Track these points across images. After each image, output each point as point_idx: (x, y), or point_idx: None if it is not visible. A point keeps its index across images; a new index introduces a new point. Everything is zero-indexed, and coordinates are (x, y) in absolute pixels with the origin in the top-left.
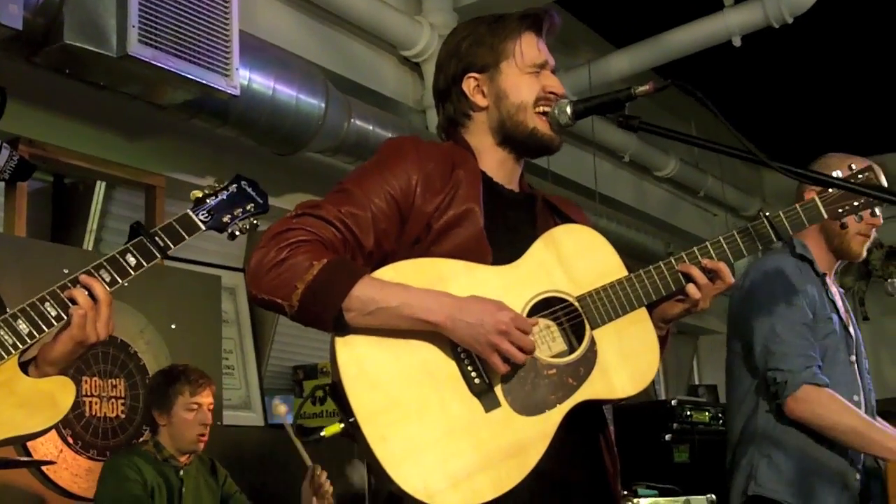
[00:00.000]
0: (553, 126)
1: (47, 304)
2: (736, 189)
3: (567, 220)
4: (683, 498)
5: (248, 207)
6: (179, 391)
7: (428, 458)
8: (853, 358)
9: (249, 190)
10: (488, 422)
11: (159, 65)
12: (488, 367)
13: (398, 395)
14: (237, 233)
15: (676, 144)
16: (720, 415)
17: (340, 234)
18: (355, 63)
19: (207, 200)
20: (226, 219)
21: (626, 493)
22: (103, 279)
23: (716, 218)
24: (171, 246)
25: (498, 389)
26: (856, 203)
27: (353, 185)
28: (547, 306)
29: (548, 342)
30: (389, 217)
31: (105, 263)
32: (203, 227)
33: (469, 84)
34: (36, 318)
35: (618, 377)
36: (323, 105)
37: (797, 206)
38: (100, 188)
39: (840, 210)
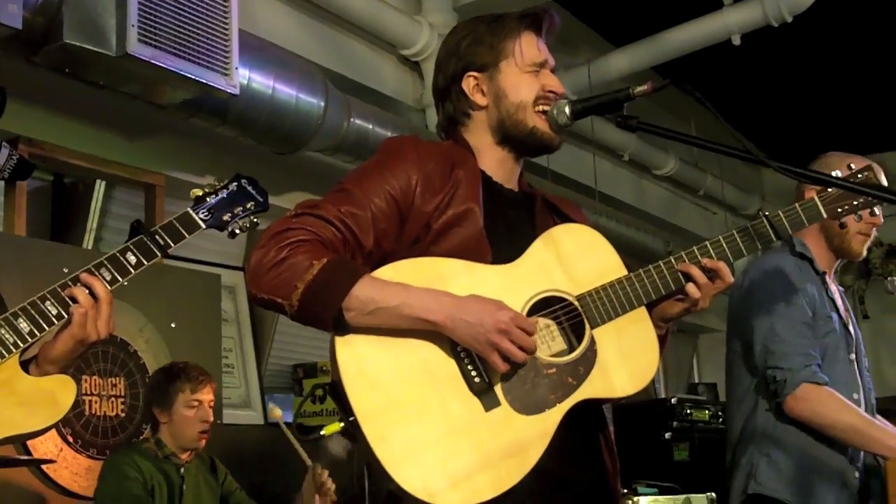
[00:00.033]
0: (552, 125)
1: (48, 302)
2: (735, 188)
3: (566, 219)
4: (683, 496)
5: (249, 206)
6: (180, 388)
7: (428, 458)
8: (853, 356)
9: (249, 188)
10: (488, 421)
11: (159, 64)
12: (488, 367)
13: (398, 395)
14: (237, 231)
15: (676, 143)
16: (720, 413)
17: (340, 234)
18: (355, 62)
19: (207, 199)
20: (226, 217)
21: (626, 491)
22: (104, 278)
23: (715, 217)
24: (172, 244)
25: (498, 389)
26: (855, 202)
27: (352, 184)
28: (546, 306)
29: (547, 341)
30: (389, 217)
31: (105, 262)
32: (203, 226)
33: (469, 83)
34: (37, 316)
35: (617, 376)
36: (322, 104)
37: (796, 205)
38: (99, 187)
39: (839, 209)
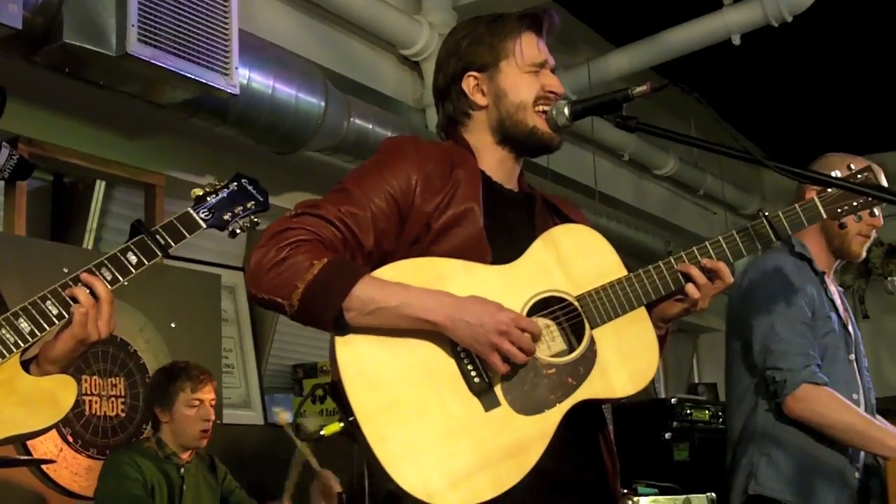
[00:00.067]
0: (552, 125)
1: (49, 302)
2: (735, 187)
3: (566, 219)
4: (683, 496)
5: (249, 205)
6: (181, 388)
7: (427, 458)
8: (852, 356)
9: (250, 188)
10: (488, 421)
11: (159, 64)
12: (488, 367)
13: (398, 395)
14: (238, 231)
15: (676, 143)
16: (720, 413)
17: (340, 234)
18: (355, 62)
19: (208, 198)
20: (226, 217)
21: (626, 491)
22: (104, 277)
23: (715, 216)
24: (173, 244)
25: (497, 389)
26: (855, 203)
27: (352, 184)
28: (546, 306)
29: (547, 342)
30: (389, 217)
31: (106, 262)
32: (204, 225)
33: (468, 83)
34: (37, 316)
35: (617, 376)
36: (322, 104)
37: (796, 205)
38: (99, 187)
39: (839, 210)
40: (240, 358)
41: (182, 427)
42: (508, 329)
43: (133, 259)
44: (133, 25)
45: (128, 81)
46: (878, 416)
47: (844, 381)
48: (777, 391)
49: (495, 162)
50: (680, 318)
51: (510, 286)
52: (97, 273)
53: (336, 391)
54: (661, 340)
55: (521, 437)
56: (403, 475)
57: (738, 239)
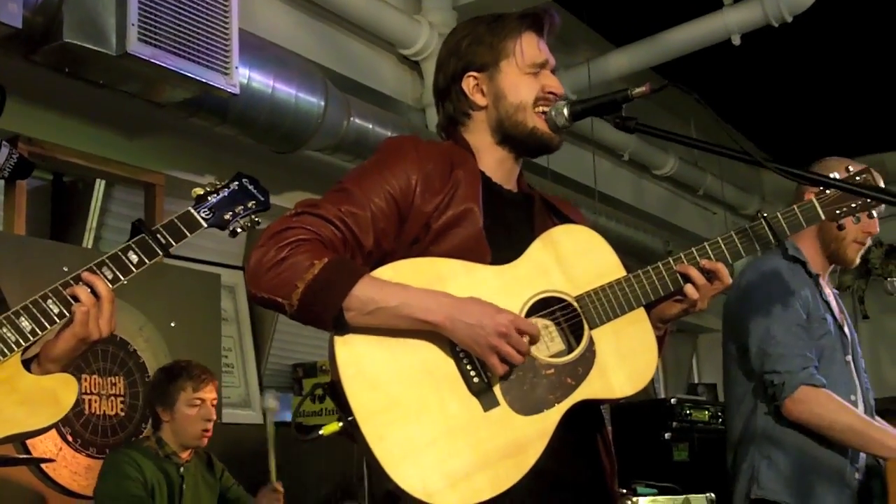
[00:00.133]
0: (551, 125)
1: (50, 301)
2: (735, 187)
3: (565, 219)
4: (683, 496)
5: (250, 205)
6: (182, 387)
7: (426, 458)
8: (849, 358)
9: (251, 187)
10: (487, 421)
11: (159, 63)
12: (487, 367)
13: (397, 395)
14: (238, 230)
15: (676, 143)
16: (719, 413)
17: (340, 233)
18: (354, 61)
19: (209, 198)
20: (227, 216)
21: (625, 491)
22: (105, 276)
23: (715, 216)
24: (173, 243)
25: (497, 389)
26: (853, 204)
27: (352, 184)
28: (545, 306)
29: (546, 342)
30: (389, 216)
31: (107, 261)
32: (205, 225)
33: (468, 83)
34: (38, 315)
35: (616, 377)
36: (322, 103)
37: (795, 207)
38: (99, 186)
39: (837, 211)
40: (239, 357)
41: (183, 426)
42: (507, 331)
43: (134, 258)
44: (133, 25)
45: (128, 81)
46: (878, 417)
47: (842, 382)
48: (776, 394)
49: (495, 162)
50: (679, 319)
51: (509, 286)
52: (98, 272)
53: (335, 391)
54: (660, 341)
55: (520, 437)
56: (402, 475)
57: (736, 240)
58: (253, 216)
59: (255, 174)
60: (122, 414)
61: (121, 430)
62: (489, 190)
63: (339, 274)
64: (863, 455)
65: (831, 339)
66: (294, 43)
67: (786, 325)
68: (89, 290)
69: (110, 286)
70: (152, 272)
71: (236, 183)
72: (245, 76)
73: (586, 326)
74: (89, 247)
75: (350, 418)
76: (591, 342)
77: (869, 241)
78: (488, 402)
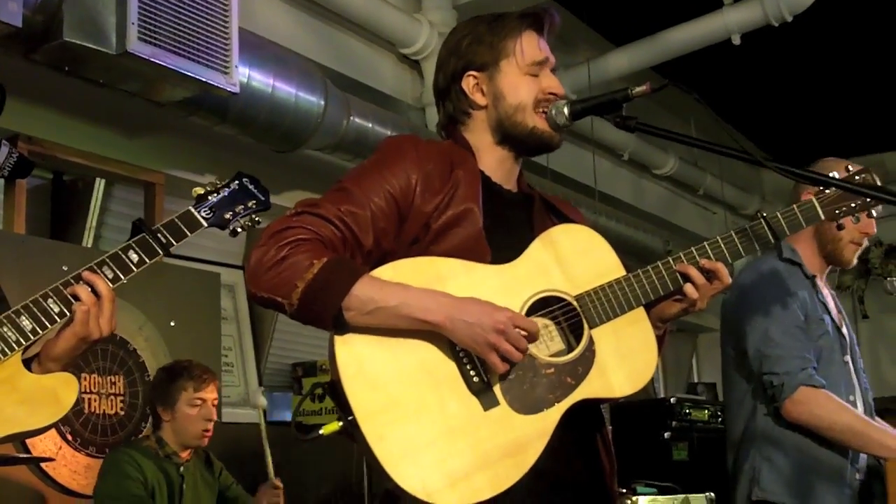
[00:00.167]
0: (551, 124)
1: (50, 300)
2: (735, 187)
3: (565, 219)
4: (682, 496)
5: (250, 204)
6: (183, 387)
7: (426, 457)
8: (847, 358)
9: (251, 187)
10: (487, 420)
11: (158, 62)
12: (487, 367)
13: (397, 394)
14: (239, 229)
15: (675, 142)
16: (719, 413)
17: (340, 233)
18: (354, 61)
19: (209, 197)
20: (227, 215)
21: (625, 491)
22: (106, 276)
23: (715, 216)
24: (174, 242)
25: (497, 388)
26: (853, 204)
27: (352, 183)
28: (545, 306)
29: (546, 341)
30: (388, 216)
31: (108, 260)
32: (205, 224)
33: (468, 82)
34: (39, 314)
35: (615, 376)
36: (322, 102)
37: (794, 206)
38: (99, 185)
39: (837, 211)
40: (239, 356)
41: (184, 426)
42: (506, 328)
43: (135, 257)
44: (133, 23)
45: (128, 80)
46: (877, 418)
47: (841, 382)
48: (775, 395)
49: (495, 162)
50: (678, 318)
51: (509, 286)
52: (98, 271)
53: (335, 390)
54: (660, 340)
55: (520, 437)
56: (402, 474)
57: (736, 240)
58: (253, 216)
59: (255, 173)
60: (122, 413)
61: (120, 430)
62: (489, 190)
63: (338, 273)
64: (863, 455)
65: (829, 339)
66: (294, 42)
67: (784, 326)
68: (90, 289)
69: (111, 285)
70: (152, 271)
71: (236, 182)
72: (245, 75)
73: (586, 326)
74: (89, 246)
75: (350, 418)
76: (591, 342)
77: (866, 242)
78: (488, 402)
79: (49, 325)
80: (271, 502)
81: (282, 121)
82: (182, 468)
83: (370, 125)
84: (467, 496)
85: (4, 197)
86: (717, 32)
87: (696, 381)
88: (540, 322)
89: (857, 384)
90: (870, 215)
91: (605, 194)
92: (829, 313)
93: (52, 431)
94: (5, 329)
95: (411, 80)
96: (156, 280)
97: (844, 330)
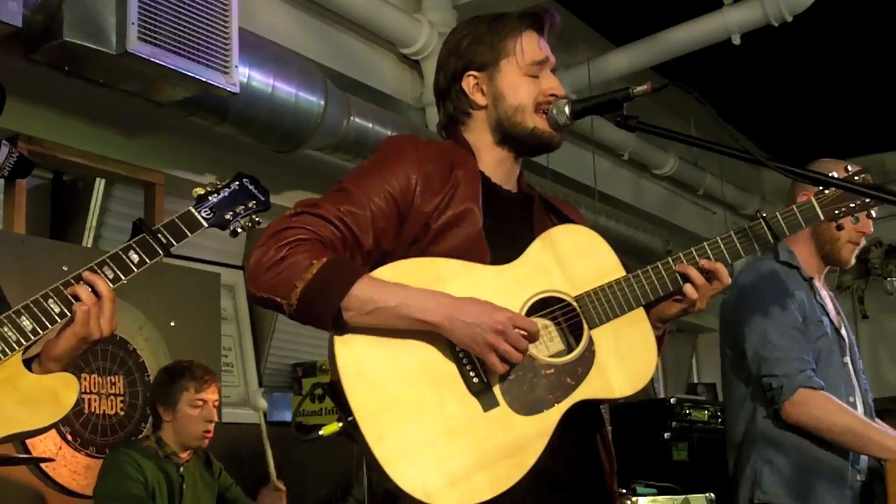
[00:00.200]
0: (552, 124)
1: (51, 300)
2: (735, 187)
3: (564, 219)
4: (682, 496)
5: (250, 205)
6: (184, 387)
7: (426, 457)
8: (847, 359)
9: (251, 187)
10: (486, 421)
11: (158, 62)
12: (487, 367)
13: (396, 395)
14: (239, 230)
15: (676, 142)
16: (719, 413)
17: (339, 233)
18: (354, 60)
19: (209, 197)
20: (228, 216)
21: (625, 491)
22: (106, 276)
23: (715, 216)
24: (174, 243)
25: (496, 389)
26: (852, 204)
27: (352, 183)
28: (545, 306)
29: (545, 342)
30: (388, 216)
31: (108, 260)
32: (205, 224)
33: (469, 82)
34: (39, 314)
35: (615, 377)
36: (322, 102)
37: (794, 207)
38: (99, 185)
39: (836, 211)
40: (239, 356)
41: (185, 427)
42: (505, 328)
43: (135, 257)
44: (133, 23)
45: (127, 79)
46: (877, 419)
47: (841, 383)
48: (774, 397)
49: (494, 162)
50: (678, 319)
51: (509, 286)
52: (99, 271)
53: (335, 391)
54: (659, 341)
55: (520, 437)
56: (402, 474)
57: (735, 240)
58: (253, 216)
59: (255, 173)
60: (122, 413)
61: (120, 430)
62: (488, 190)
63: (338, 274)
64: (864, 456)
65: (828, 341)
66: (294, 42)
67: (782, 328)
68: (90, 289)
69: (111, 285)
70: (152, 271)
71: (237, 183)
72: (245, 75)
73: (586, 326)
74: (89, 246)
75: (350, 418)
76: (591, 342)
77: (863, 241)
78: (488, 402)
79: (49, 326)
80: None
81: (282, 121)
82: (182, 468)
83: (370, 125)
84: (467, 496)
85: (4, 197)
86: (717, 32)
87: (695, 381)
88: (539, 322)
89: (857, 385)
90: (869, 216)
91: (604, 194)
92: (827, 314)
93: (52, 432)
94: (6, 329)
95: (411, 80)
96: (156, 280)
97: (843, 331)
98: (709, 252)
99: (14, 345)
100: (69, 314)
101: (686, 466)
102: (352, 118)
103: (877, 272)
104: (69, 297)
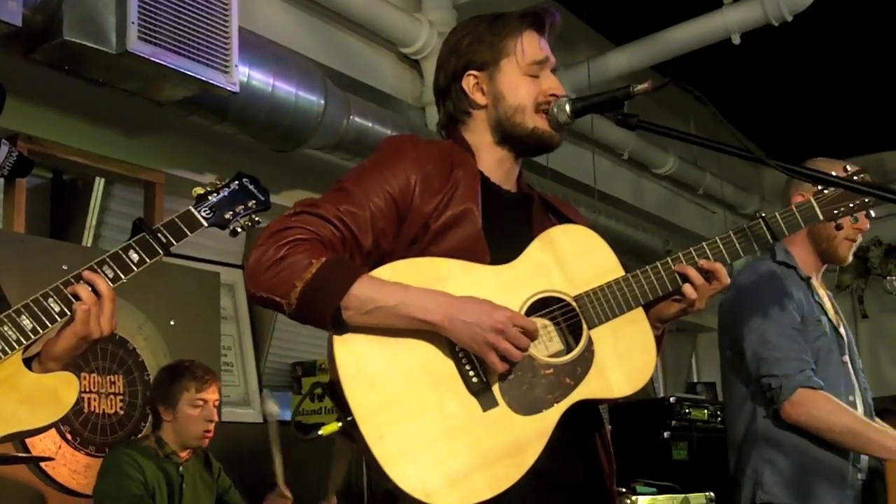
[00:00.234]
0: (552, 124)
1: (51, 299)
2: (734, 186)
3: (564, 219)
4: (682, 496)
5: (250, 204)
6: (185, 387)
7: (425, 457)
8: (846, 358)
9: (251, 187)
10: (486, 421)
11: (158, 61)
12: (486, 367)
13: (396, 394)
14: (239, 229)
15: (675, 142)
16: (719, 412)
17: (339, 233)
18: (354, 60)
19: (209, 197)
20: (227, 215)
21: (624, 490)
22: (106, 275)
23: (714, 215)
24: (174, 242)
25: (496, 389)
26: (851, 204)
27: (351, 183)
28: (544, 306)
29: (545, 342)
30: (388, 216)
31: (108, 259)
32: (205, 224)
33: (469, 82)
34: (39, 313)
35: (614, 377)
36: (322, 102)
37: (793, 206)
38: (99, 185)
39: (836, 211)
40: (239, 356)
41: (185, 426)
42: (505, 327)
43: (135, 257)
44: (133, 23)
45: (127, 79)
46: (877, 418)
47: (840, 383)
48: (774, 398)
49: (494, 162)
50: (677, 318)
51: (508, 286)
52: (99, 271)
53: (334, 391)
54: (659, 340)
55: (519, 437)
56: (401, 474)
57: (735, 240)
58: (253, 215)
59: (255, 173)
60: (122, 412)
61: (120, 429)
62: (488, 190)
63: (337, 273)
64: (864, 456)
65: (827, 340)
66: (294, 41)
67: (781, 328)
68: (90, 288)
69: (111, 285)
70: (152, 270)
71: (237, 182)
72: (245, 74)
73: (585, 326)
74: (89, 245)
75: (349, 418)
76: (590, 342)
77: (860, 238)
78: (487, 402)
79: (49, 325)
80: None
81: (282, 120)
82: (181, 468)
83: (370, 124)
84: (466, 496)
85: (4, 196)
86: (716, 32)
87: (695, 380)
88: (539, 322)
89: (857, 384)
90: (868, 215)
91: (604, 194)
92: (825, 314)
93: (52, 431)
94: (6, 328)
95: (411, 80)
96: (156, 279)
97: (842, 330)
98: (708, 252)
99: (14, 344)
100: (69, 313)
101: (686, 466)
102: (352, 117)
103: (876, 271)
104: (69, 296)
